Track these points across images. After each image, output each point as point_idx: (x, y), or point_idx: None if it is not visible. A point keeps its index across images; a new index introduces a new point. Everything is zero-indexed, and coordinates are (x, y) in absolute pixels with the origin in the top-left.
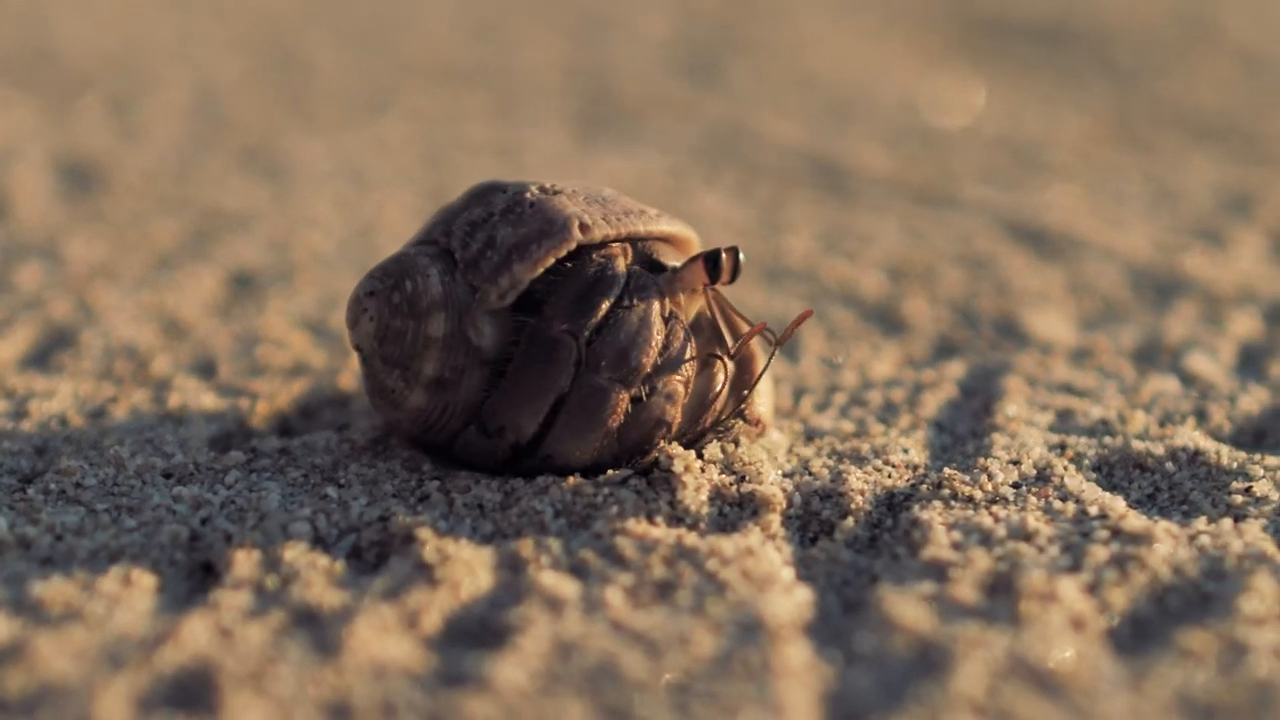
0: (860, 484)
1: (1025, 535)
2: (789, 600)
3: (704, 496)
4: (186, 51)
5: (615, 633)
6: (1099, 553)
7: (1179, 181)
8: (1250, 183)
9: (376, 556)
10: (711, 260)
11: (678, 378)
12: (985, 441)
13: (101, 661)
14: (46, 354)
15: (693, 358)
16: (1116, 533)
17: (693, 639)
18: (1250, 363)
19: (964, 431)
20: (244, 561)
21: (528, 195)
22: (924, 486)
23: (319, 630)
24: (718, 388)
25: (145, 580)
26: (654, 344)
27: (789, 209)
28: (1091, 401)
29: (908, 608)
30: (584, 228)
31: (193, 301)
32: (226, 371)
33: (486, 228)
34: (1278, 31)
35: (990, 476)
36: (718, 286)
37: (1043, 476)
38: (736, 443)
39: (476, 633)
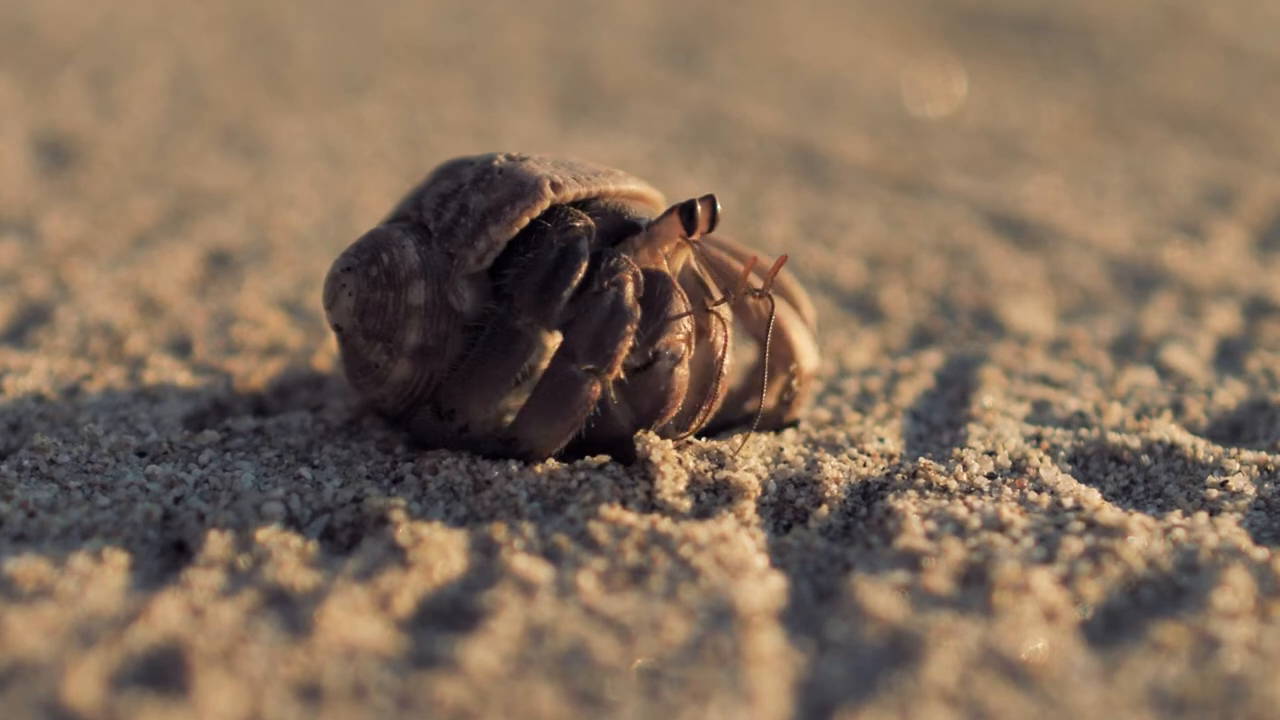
0: (835, 472)
1: (999, 526)
2: (762, 587)
3: (680, 484)
4: (166, 28)
5: (587, 617)
6: (1073, 545)
7: (1160, 174)
8: (1231, 176)
9: (349, 538)
10: (687, 211)
11: (679, 336)
12: (961, 432)
13: (73, 639)
14: (22, 330)
15: (689, 312)
16: (1091, 525)
17: (665, 625)
18: (1228, 357)
19: (940, 421)
20: (216, 541)
21: (495, 163)
22: (899, 476)
23: (291, 610)
24: (720, 352)
25: (117, 558)
26: (629, 329)
27: (768, 196)
28: (1068, 393)
29: (880, 596)
30: (555, 186)
31: (169, 280)
32: (202, 350)
33: (458, 197)
34: (1260, 24)
35: (965, 467)
36: (698, 237)
37: (1018, 468)
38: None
39: (448, 615)
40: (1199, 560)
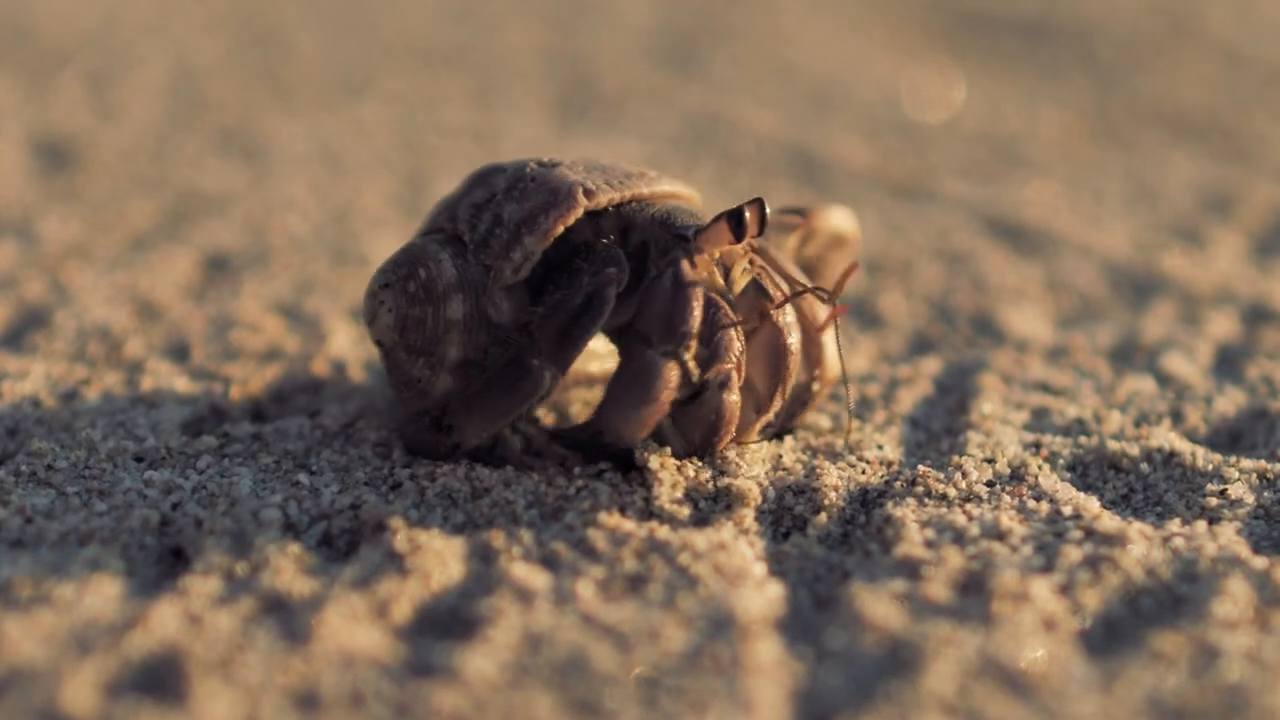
0: (834, 480)
1: (998, 534)
2: (760, 596)
3: (679, 491)
4: (165, 29)
5: (585, 625)
6: (1072, 553)
7: (1159, 179)
8: (1230, 182)
9: (347, 544)
10: (735, 218)
11: (728, 364)
12: (960, 439)
13: (70, 646)
14: (19, 334)
15: (736, 322)
16: (1090, 533)
17: (663, 633)
18: (1227, 364)
19: (939, 429)
20: (214, 547)
21: (528, 170)
22: (898, 483)
23: (288, 618)
24: (791, 350)
25: (115, 565)
26: (696, 304)
27: (767, 199)
28: (1067, 400)
29: (879, 605)
30: (588, 193)
31: (167, 284)
32: (200, 355)
33: (491, 207)
34: (1259, 28)
35: (964, 474)
36: (747, 242)
37: (1017, 475)
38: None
39: (446, 623)
40: (1198, 569)
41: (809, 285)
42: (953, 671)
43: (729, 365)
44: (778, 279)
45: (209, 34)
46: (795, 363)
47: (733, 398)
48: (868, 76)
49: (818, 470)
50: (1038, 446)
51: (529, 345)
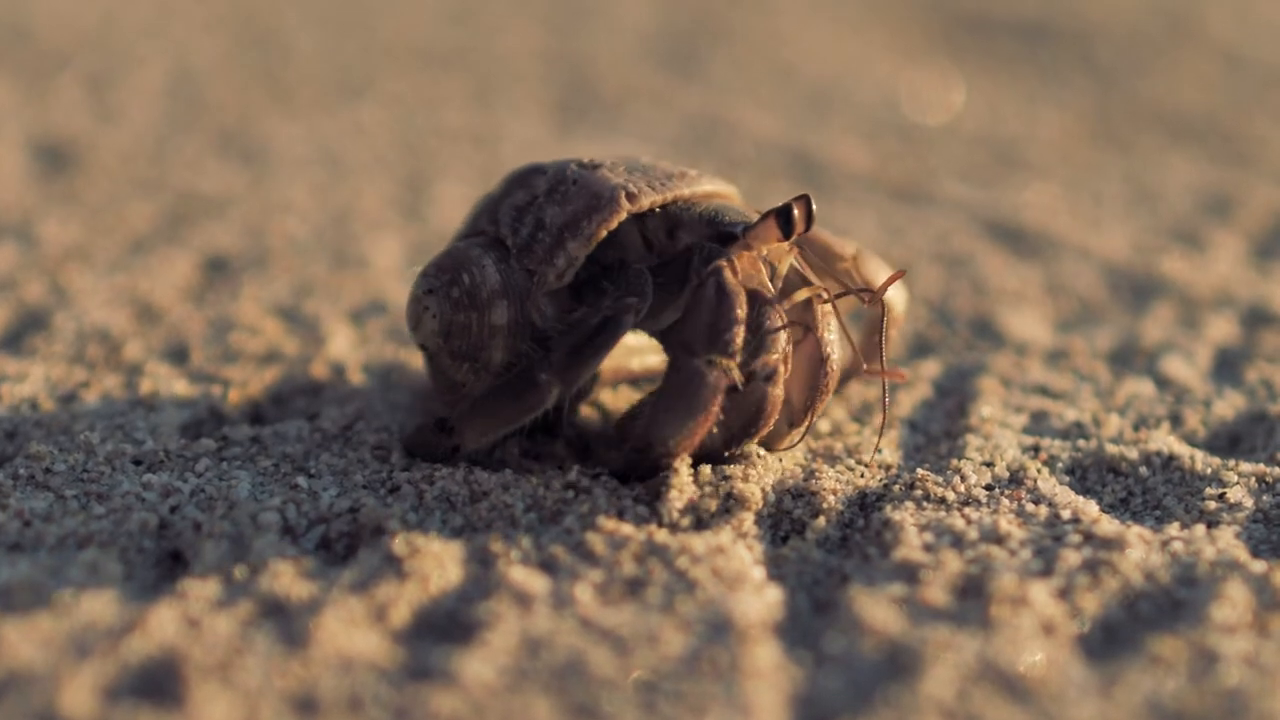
0: (833, 483)
1: (997, 538)
2: (759, 600)
3: (678, 495)
4: (164, 30)
5: (584, 629)
6: (1071, 557)
7: (1158, 182)
8: (1229, 184)
9: (346, 548)
10: (783, 215)
11: (775, 356)
12: (959, 442)
13: (68, 650)
14: (18, 336)
15: (784, 326)
16: (1089, 537)
17: (661, 637)
18: (1226, 367)
19: (938, 432)
20: (212, 551)
21: (569, 172)
22: (896, 487)
23: (286, 621)
24: (831, 365)
25: (113, 568)
26: (740, 312)
27: (766, 201)
28: (1066, 404)
29: (878, 609)
30: (630, 196)
31: (166, 286)
32: (199, 357)
33: (533, 210)
34: (1259, 31)
35: (963, 478)
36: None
37: (1016, 479)
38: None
39: (445, 627)
40: (1197, 573)
41: (851, 288)
42: (951, 676)
43: (775, 357)
44: (820, 280)
45: (208, 36)
46: (834, 380)
47: (776, 391)
48: (867, 79)
49: (816, 473)
50: (1037, 450)
51: (542, 358)
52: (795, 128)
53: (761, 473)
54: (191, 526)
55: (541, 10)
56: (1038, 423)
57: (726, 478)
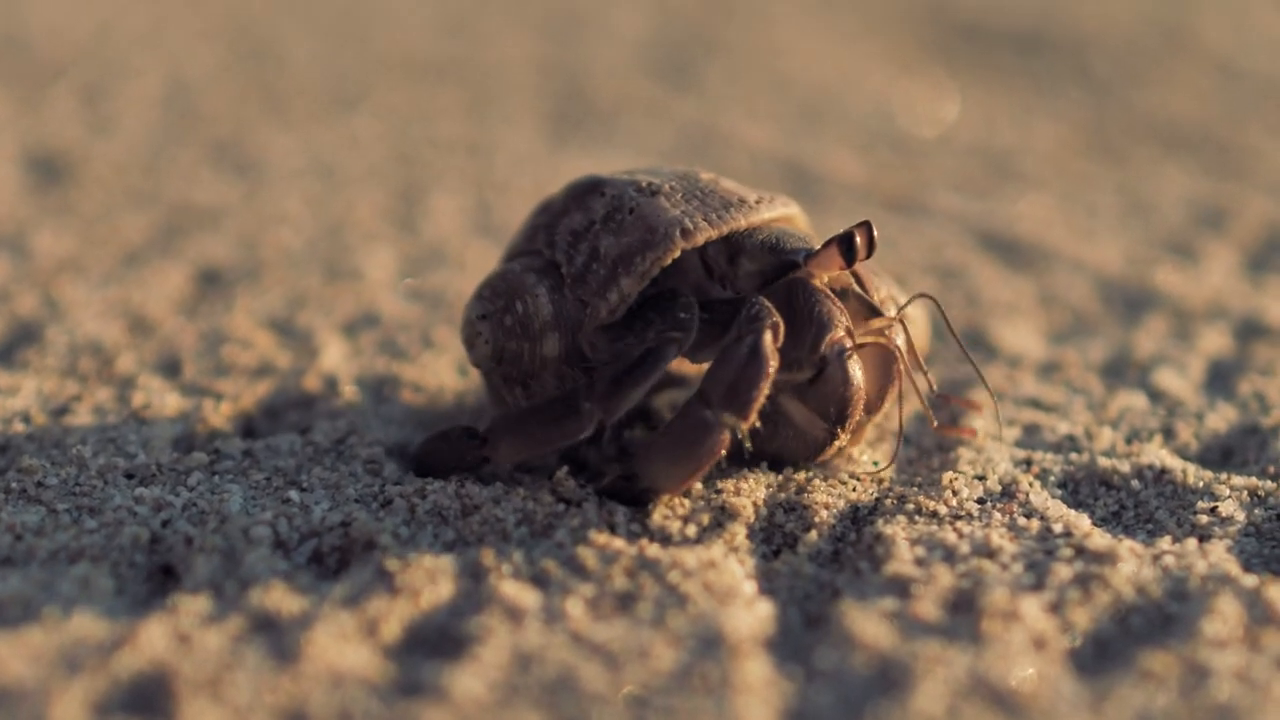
0: (825, 497)
1: (989, 552)
2: (750, 614)
3: (669, 508)
4: (159, 40)
5: (575, 644)
6: (1062, 571)
7: (1152, 193)
8: (1223, 196)
9: (337, 562)
10: (845, 243)
11: (839, 333)
12: (951, 456)
13: (58, 665)
14: (11, 350)
15: (845, 320)
16: (1080, 551)
17: (652, 652)
18: (1219, 379)
19: (930, 445)
20: (204, 565)
21: (627, 199)
22: (888, 500)
23: (277, 637)
24: (899, 353)
25: (104, 583)
26: (766, 378)
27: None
28: (1059, 417)
29: (869, 624)
30: (685, 233)
31: (159, 298)
32: (191, 371)
33: (589, 238)
34: (1254, 42)
35: (955, 492)
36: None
37: (1008, 492)
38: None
39: (436, 642)
40: (1188, 587)
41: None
42: (942, 691)
43: (840, 332)
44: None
45: (203, 46)
46: (903, 367)
47: (854, 363)
48: (861, 90)
49: (808, 488)
50: (1029, 463)
51: (586, 385)
52: (789, 138)
53: (753, 486)
54: (183, 541)
55: (536, 21)
56: (1030, 436)
57: (719, 491)
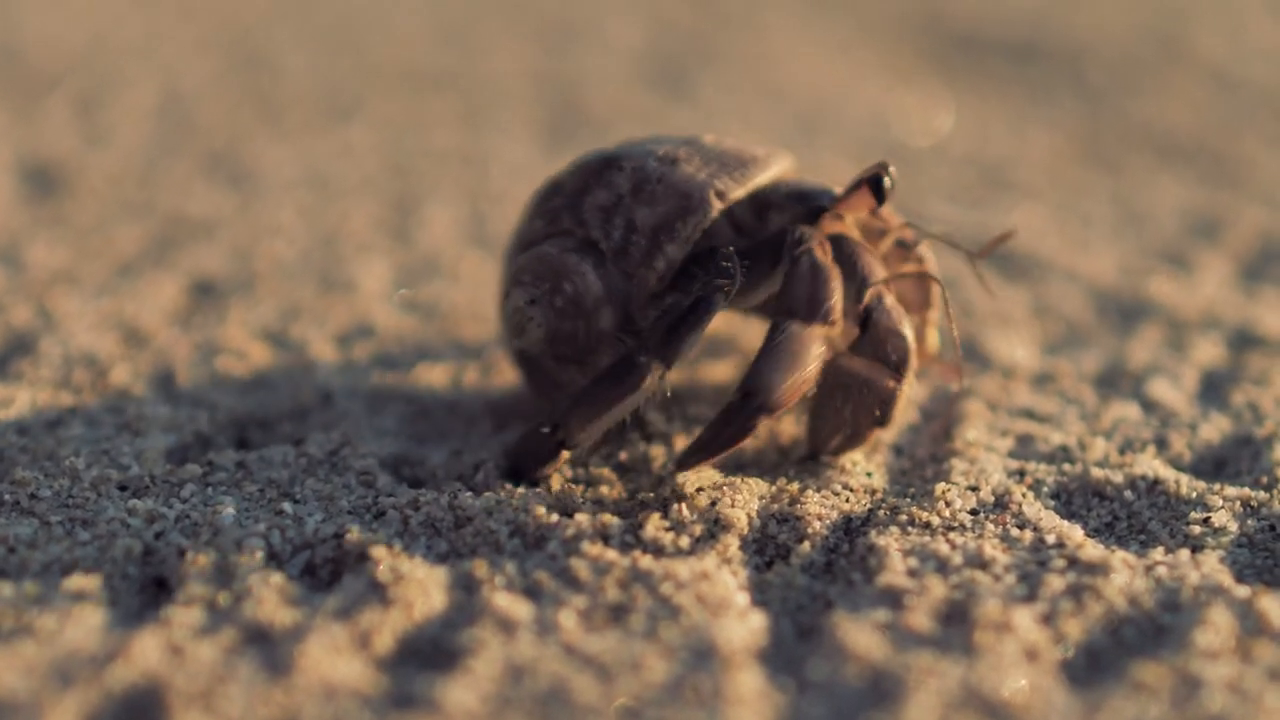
0: (818, 508)
1: (981, 563)
2: (743, 626)
3: (663, 518)
4: (153, 51)
5: (567, 656)
6: (1055, 582)
7: (1146, 203)
8: (1218, 206)
9: (330, 574)
10: (875, 183)
11: (879, 283)
12: (944, 466)
13: (51, 678)
14: (5, 361)
15: (883, 269)
16: (1073, 562)
17: (645, 664)
18: (1212, 390)
19: (923, 456)
20: (197, 577)
21: (650, 170)
22: (881, 511)
23: (270, 649)
24: (937, 278)
25: (97, 595)
26: (835, 282)
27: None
28: (1052, 427)
29: (862, 635)
30: (720, 194)
31: (153, 310)
32: (185, 382)
33: (621, 211)
34: (1249, 52)
35: (948, 503)
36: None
37: (1001, 503)
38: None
39: (428, 654)
40: (1181, 598)
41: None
42: (934, 703)
43: (880, 285)
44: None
45: (198, 57)
46: (940, 291)
47: (896, 305)
48: (856, 99)
49: (801, 498)
50: (1022, 474)
51: (638, 344)
52: (784, 148)
53: (746, 497)
54: (176, 553)
55: (531, 31)
56: (1023, 446)
57: (712, 502)
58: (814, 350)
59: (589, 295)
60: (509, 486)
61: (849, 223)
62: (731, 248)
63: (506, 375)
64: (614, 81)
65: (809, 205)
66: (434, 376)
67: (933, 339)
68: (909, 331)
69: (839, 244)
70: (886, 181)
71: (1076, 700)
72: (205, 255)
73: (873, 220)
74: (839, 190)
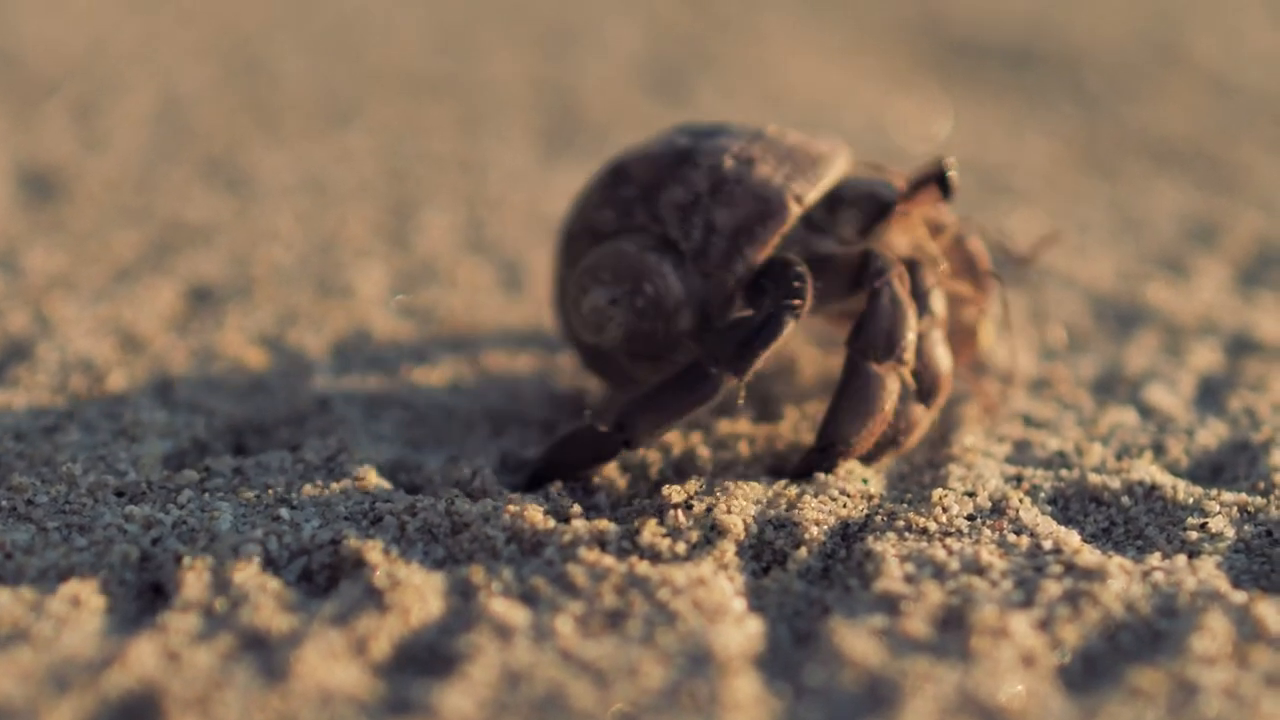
0: (815, 513)
1: (978, 569)
2: (739, 631)
3: (660, 524)
4: (152, 56)
5: (564, 662)
6: (1052, 588)
7: (1144, 209)
8: (1215, 211)
9: (327, 580)
10: (942, 179)
11: (937, 321)
12: (941, 472)
13: (48, 684)
14: (2, 366)
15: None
16: (1070, 568)
17: (642, 669)
18: (1209, 395)
19: (920, 461)
20: (194, 583)
21: (727, 170)
22: (878, 517)
23: (267, 655)
24: (984, 259)
25: (94, 601)
26: (911, 320)
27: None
28: (1049, 433)
29: (858, 641)
30: (798, 199)
31: (151, 315)
32: (182, 388)
33: (700, 211)
34: (1246, 58)
35: (945, 509)
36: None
37: (998, 509)
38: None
39: (425, 660)
40: (1178, 604)
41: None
42: (931, 708)
43: (938, 323)
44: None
45: (196, 62)
46: (988, 261)
47: (943, 350)
48: (854, 105)
49: (798, 504)
50: (1019, 480)
51: (709, 353)
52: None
53: (743, 503)
54: (173, 559)
55: (529, 37)
56: (1021, 452)
57: (709, 509)
58: (889, 389)
59: (670, 297)
60: (506, 492)
61: (916, 219)
62: (805, 268)
63: (503, 381)
64: (612, 87)
65: (879, 202)
66: (431, 382)
67: (986, 333)
68: (947, 366)
69: (915, 275)
70: (953, 176)
71: (1073, 706)
72: (203, 261)
73: (931, 214)
74: (900, 182)
